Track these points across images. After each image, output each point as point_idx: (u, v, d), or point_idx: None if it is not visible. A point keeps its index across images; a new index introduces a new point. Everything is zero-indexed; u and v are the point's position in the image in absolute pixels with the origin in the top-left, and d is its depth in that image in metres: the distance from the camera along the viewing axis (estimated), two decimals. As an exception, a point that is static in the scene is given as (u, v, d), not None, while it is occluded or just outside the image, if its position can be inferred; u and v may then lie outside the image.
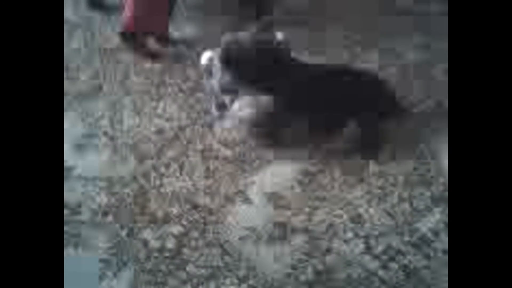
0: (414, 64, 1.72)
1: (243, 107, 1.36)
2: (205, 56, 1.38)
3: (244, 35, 1.31)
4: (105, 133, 1.46)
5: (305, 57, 1.45)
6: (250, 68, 1.26)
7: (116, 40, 1.82)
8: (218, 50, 1.31)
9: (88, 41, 1.86)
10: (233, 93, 1.37)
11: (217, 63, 1.31)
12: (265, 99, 1.31)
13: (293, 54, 1.37)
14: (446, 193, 1.26)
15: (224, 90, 1.36)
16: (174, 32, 1.86)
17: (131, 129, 1.47)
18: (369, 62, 1.71)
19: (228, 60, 1.27)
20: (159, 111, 1.54)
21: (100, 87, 1.64)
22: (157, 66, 1.73)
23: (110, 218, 1.22)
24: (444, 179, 1.30)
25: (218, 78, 1.32)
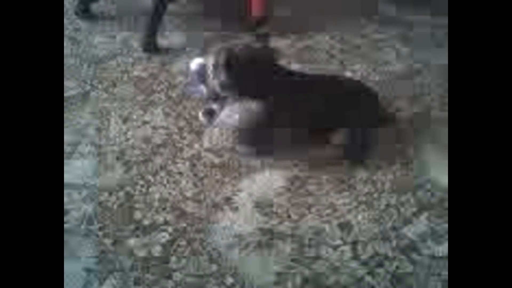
0: (399, 71, 1.74)
1: (232, 113, 1.35)
2: (195, 63, 1.37)
3: (242, 46, 1.31)
4: (91, 141, 1.45)
5: (291, 67, 1.47)
6: (250, 78, 1.27)
7: (103, 48, 1.83)
8: (210, 57, 1.31)
9: (75, 49, 1.85)
10: (223, 99, 1.36)
11: (209, 71, 1.30)
12: (255, 106, 1.31)
13: (280, 63, 1.38)
14: (433, 199, 1.27)
15: (215, 98, 1.36)
16: (162, 41, 1.86)
17: (117, 136, 1.46)
18: (354, 71, 1.73)
19: (231, 71, 1.26)
20: (146, 118, 1.53)
21: (86, 95, 1.63)
22: (144, 73, 1.72)
23: (95, 226, 1.20)
24: (430, 185, 1.31)
25: (212, 85, 1.31)
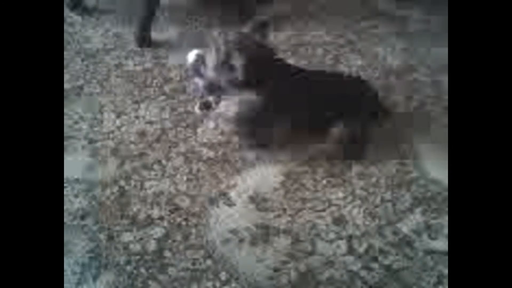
0: (396, 66, 1.74)
1: (229, 107, 1.34)
2: (192, 55, 1.35)
3: (241, 35, 1.29)
4: (85, 135, 1.43)
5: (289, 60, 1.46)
6: (247, 69, 1.25)
7: (96, 42, 1.82)
8: (207, 49, 1.29)
9: (69, 42, 1.83)
10: (220, 92, 1.35)
11: (208, 62, 1.28)
12: (252, 99, 1.30)
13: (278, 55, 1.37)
14: (428, 194, 1.27)
15: (212, 90, 1.34)
16: (155, 35, 1.85)
17: (111, 131, 1.45)
18: (350, 66, 1.73)
19: (229, 61, 1.24)
20: (141, 113, 1.52)
21: (80, 89, 1.61)
22: (138, 68, 1.71)
23: (89, 221, 1.19)
24: (425, 180, 1.31)
25: (208, 77, 1.29)
